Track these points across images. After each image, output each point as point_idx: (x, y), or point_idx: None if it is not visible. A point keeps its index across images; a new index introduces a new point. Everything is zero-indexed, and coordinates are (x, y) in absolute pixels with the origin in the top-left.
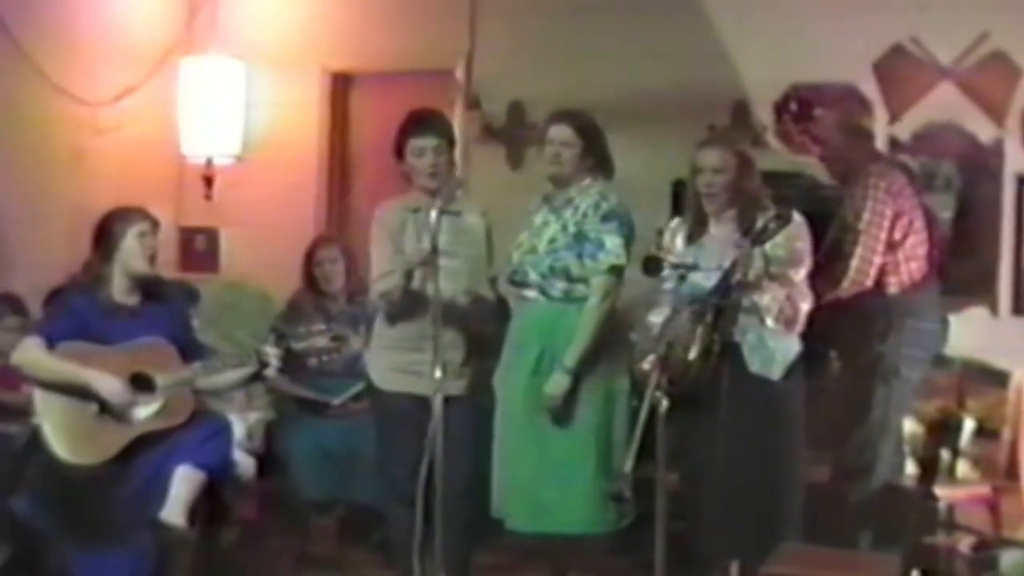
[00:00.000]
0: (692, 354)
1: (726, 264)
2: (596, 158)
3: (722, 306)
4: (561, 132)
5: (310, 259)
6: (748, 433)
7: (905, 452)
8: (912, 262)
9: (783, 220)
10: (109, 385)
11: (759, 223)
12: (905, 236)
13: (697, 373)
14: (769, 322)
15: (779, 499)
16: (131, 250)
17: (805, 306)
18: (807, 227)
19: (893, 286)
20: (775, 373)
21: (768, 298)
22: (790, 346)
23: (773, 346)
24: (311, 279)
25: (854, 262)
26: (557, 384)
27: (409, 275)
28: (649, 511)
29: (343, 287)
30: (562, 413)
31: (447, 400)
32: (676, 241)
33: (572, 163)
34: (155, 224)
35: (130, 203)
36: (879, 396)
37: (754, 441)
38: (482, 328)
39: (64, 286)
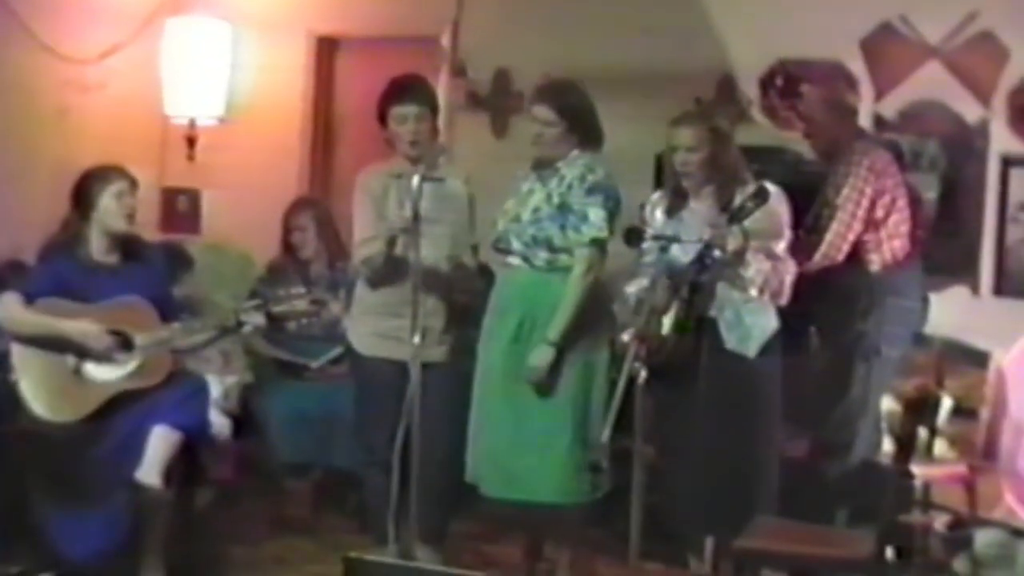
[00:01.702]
0: (666, 328)
1: (707, 237)
2: (581, 133)
3: (698, 281)
4: (542, 112)
5: (285, 224)
6: (723, 409)
7: (882, 429)
8: (895, 240)
9: (760, 199)
10: (87, 331)
11: (737, 200)
12: (887, 214)
13: (672, 347)
14: (754, 292)
15: (753, 476)
16: (108, 209)
17: (790, 277)
18: (785, 198)
19: (875, 264)
20: (751, 350)
21: (753, 269)
22: (767, 323)
23: (750, 323)
24: (287, 244)
25: (828, 236)
26: (541, 356)
27: (392, 241)
28: (626, 483)
29: (315, 253)
30: (542, 383)
31: (427, 367)
32: (656, 215)
33: (555, 142)
34: (134, 183)
35: (114, 162)
36: (859, 373)
37: (729, 417)
38: (464, 295)
39: (45, 243)
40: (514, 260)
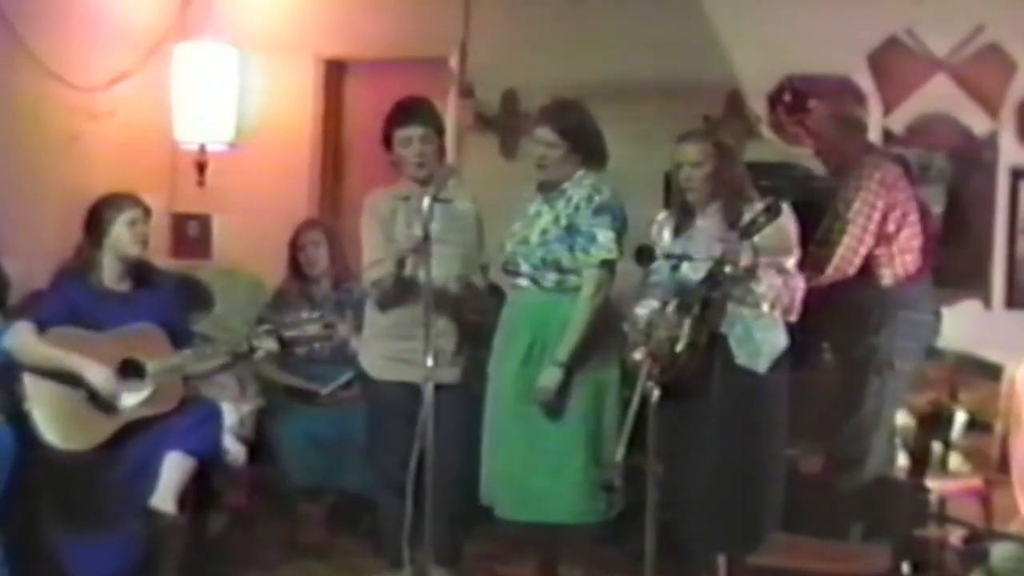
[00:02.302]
0: (679, 346)
1: (715, 255)
2: (585, 153)
3: (709, 298)
4: (545, 134)
5: (294, 244)
6: (733, 425)
7: (897, 444)
8: (906, 254)
9: (773, 214)
10: (98, 374)
11: (747, 216)
12: (899, 228)
13: (684, 365)
14: (765, 308)
15: (761, 491)
16: (121, 237)
17: (800, 293)
18: (794, 215)
19: (887, 278)
20: (761, 366)
21: (764, 285)
22: (777, 339)
23: (760, 339)
24: (295, 265)
25: (839, 250)
26: (550, 378)
27: (401, 263)
28: (639, 501)
29: (326, 270)
30: (553, 404)
31: (439, 388)
32: (664, 234)
33: (557, 164)
34: (147, 211)
35: (123, 188)
36: (872, 388)
37: (738, 433)
38: (474, 315)
39: (57, 270)
40: (523, 282)
